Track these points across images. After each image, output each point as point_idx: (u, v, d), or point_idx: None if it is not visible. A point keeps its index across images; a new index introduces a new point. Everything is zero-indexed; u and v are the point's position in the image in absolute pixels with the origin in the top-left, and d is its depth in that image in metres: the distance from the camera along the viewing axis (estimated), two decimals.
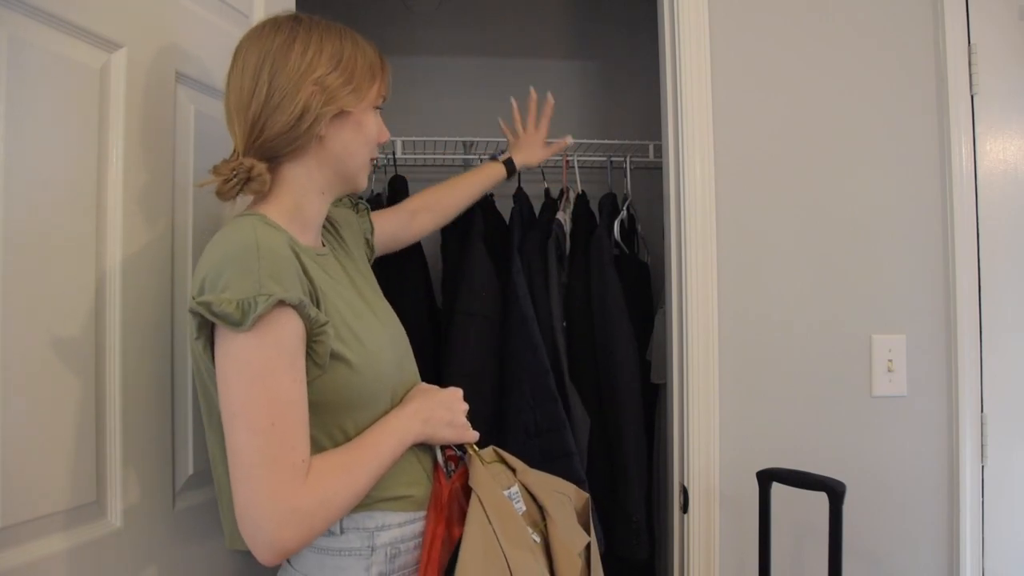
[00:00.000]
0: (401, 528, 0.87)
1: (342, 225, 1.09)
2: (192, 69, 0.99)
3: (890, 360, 1.39)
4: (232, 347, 0.74)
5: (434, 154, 2.06)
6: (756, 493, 1.24)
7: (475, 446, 0.95)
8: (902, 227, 1.41)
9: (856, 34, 1.43)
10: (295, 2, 1.29)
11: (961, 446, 1.38)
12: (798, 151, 1.41)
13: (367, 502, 0.84)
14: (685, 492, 1.37)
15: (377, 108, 0.94)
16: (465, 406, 0.96)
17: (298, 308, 0.75)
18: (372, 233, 1.20)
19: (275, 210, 0.86)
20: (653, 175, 1.93)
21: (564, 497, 1.01)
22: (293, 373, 0.75)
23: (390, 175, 1.91)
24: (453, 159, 2.08)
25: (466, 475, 0.92)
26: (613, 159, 2.03)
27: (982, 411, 1.39)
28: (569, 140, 1.64)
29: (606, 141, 2.03)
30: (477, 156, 2.00)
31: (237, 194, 0.85)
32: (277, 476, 0.72)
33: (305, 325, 0.77)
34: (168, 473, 0.95)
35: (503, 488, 0.93)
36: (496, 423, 1.66)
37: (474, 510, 0.86)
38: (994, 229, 1.41)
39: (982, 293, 1.39)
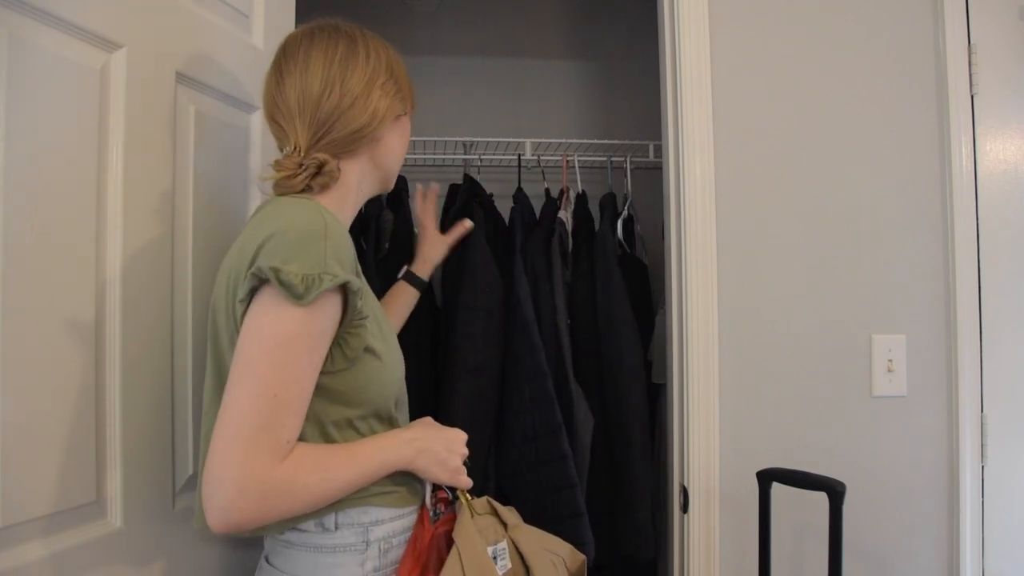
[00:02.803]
0: (392, 523, 0.87)
1: None
2: (192, 69, 0.99)
3: (890, 360, 1.39)
4: (271, 312, 0.74)
5: (434, 154, 2.06)
6: (756, 493, 1.24)
7: (468, 494, 0.93)
8: (902, 227, 1.41)
9: (856, 34, 1.43)
10: (295, 2, 1.29)
11: (961, 446, 1.38)
12: (798, 151, 1.41)
13: (359, 496, 0.84)
14: (685, 492, 1.37)
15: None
16: (465, 451, 0.94)
17: (352, 295, 0.78)
18: None
19: (324, 203, 0.88)
20: (653, 175, 1.93)
21: (557, 558, 0.97)
22: (312, 357, 0.77)
23: None
24: (453, 159, 2.08)
25: (452, 523, 0.90)
26: (613, 159, 2.03)
27: (982, 411, 1.39)
28: (468, 223, 1.49)
29: (606, 141, 2.04)
30: (477, 156, 2.00)
31: (304, 187, 0.87)
32: (258, 445, 0.72)
33: (345, 315, 0.79)
34: (168, 473, 0.95)
35: (489, 543, 0.90)
36: (496, 424, 1.66)
37: (451, 565, 0.83)
38: (994, 229, 1.41)
39: (982, 293, 1.39)
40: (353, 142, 0.90)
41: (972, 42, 1.42)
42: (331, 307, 0.77)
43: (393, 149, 0.97)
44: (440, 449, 0.90)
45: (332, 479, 0.79)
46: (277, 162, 0.88)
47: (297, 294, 0.72)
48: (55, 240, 0.78)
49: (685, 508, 1.37)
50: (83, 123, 0.82)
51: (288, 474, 0.74)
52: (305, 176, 0.87)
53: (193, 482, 0.99)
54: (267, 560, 0.89)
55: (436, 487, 0.92)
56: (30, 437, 0.75)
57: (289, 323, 0.74)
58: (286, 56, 0.90)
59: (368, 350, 0.83)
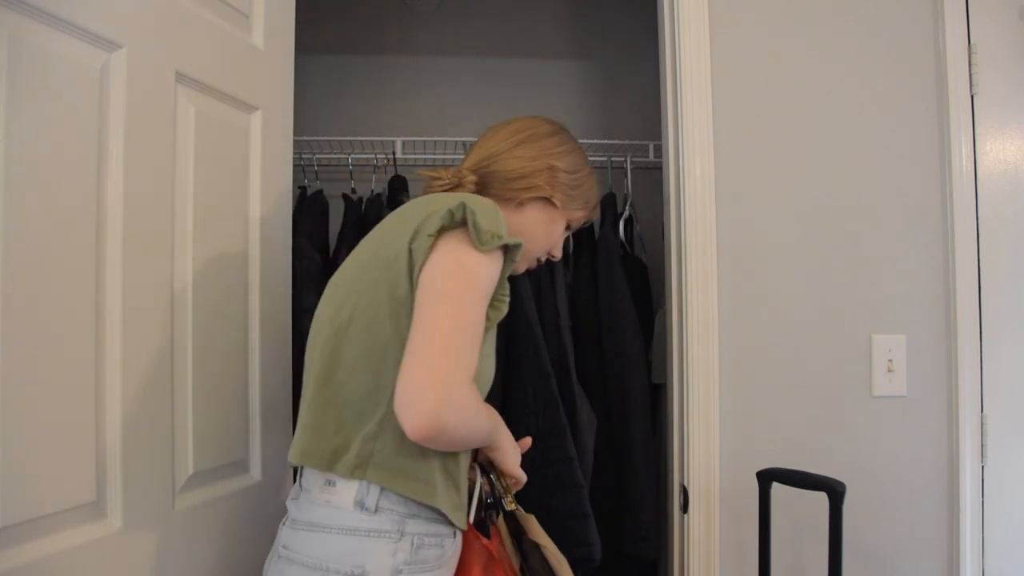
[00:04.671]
0: (428, 524, 0.86)
1: None
2: (192, 69, 0.99)
3: (890, 360, 1.39)
4: (461, 251, 0.83)
5: (434, 154, 2.06)
6: (756, 493, 1.24)
7: (521, 508, 1.01)
8: (902, 227, 1.41)
9: (856, 35, 1.43)
10: (295, 2, 1.29)
11: (961, 446, 1.38)
12: (798, 150, 1.41)
13: (403, 480, 0.85)
14: (685, 492, 1.37)
15: (567, 229, 1.11)
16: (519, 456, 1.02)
17: (507, 263, 0.87)
18: None
19: None
20: (653, 175, 1.93)
21: None
22: (482, 304, 0.84)
23: (390, 175, 1.91)
24: (453, 159, 2.08)
25: (500, 538, 0.98)
26: (613, 159, 2.03)
27: (982, 411, 1.39)
28: None
29: (606, 141, 2.04)
30: None
31: (443, 190, 1.01)
32: (460, 362, 0.78)
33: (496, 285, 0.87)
34: (168, 473, 0.95)
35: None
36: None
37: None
38: (994, 229, 1.40)
39: (982, 293, 1.39)
40: (498, 188, 1.02)
41: (972, 42, 1.42)
42: (497, 265, 0.86)
43: (531, 227, 1.04)
44: (510, 441, 0.99)
45: (483, 421, 0.85)
46: (439, 172, 1.04)
47: (483, 240, 0.82)
48: (55, 239, 0.78)
49: (685, 508, 1.37)
50: (83, 123, 0.82)
51: (475, 397, 0.81)
52: (448, 183, 1.01)
53: (193, 482, 0.99)
54: (284, 547, 0.86)
55: (479, 507, 0.95)
56: (30, 438, 0.75)
57: (474, 264, 0.83)
58: (506, 123, 1.09)
59: (488, 331, 0.88)
